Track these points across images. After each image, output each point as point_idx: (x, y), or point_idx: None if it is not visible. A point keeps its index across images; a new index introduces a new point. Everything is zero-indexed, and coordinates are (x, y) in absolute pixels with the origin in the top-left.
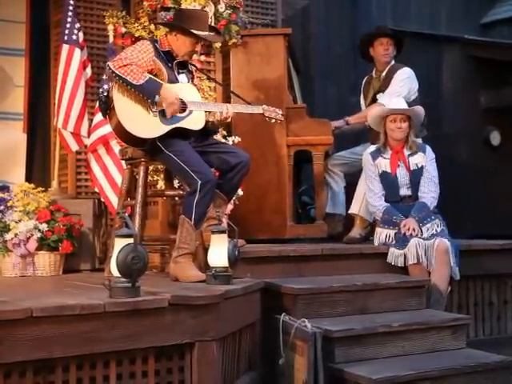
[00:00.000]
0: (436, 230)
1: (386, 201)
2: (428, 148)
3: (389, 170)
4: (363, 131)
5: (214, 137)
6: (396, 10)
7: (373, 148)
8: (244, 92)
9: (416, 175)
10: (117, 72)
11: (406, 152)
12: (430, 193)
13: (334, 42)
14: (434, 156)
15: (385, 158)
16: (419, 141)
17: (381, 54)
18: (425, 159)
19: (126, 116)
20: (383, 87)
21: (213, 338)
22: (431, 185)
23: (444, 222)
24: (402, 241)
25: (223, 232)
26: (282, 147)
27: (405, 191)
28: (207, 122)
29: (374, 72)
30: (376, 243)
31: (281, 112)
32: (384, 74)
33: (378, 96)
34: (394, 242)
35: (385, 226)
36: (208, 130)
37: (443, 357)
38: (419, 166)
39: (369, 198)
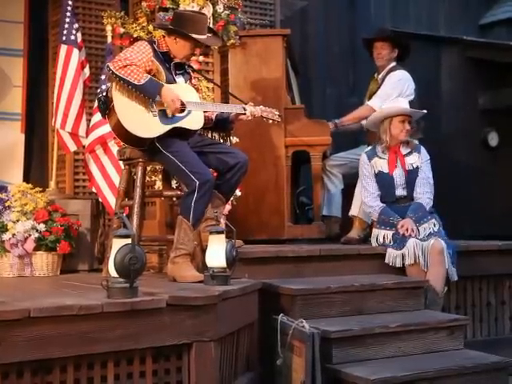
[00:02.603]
0: (433, 230)
1: (381, 201)
2: (423, 149)
3: (385, 170)
4: (361, 133)
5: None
6: (394, 11)
7: (368, 148)
8: (242, 92)
9: (411, 175)
10: (117, 73)
11: (403, 151)
12: (425, 194)
13: (333, 42)
14: (428, 157)
15: (381, 157)
16: (415, 141)
17: (375, 58)
18: (420, 160)
19: (126, 115)
20: (378, 89)
21: (211, 338)
22: (427, 186)
23: (441, 222)
24: (399, 241)
25: (221, 232)
26: (280, 148)
27: (400, 191)
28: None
29: (375, 74)
30: (374, 244)
31: (278, 113)
32: (381, 76)
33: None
34: (391, 242)
35: (381, 227)
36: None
37: (441, 357)
38: (414, 166)
39: (364, 198)
